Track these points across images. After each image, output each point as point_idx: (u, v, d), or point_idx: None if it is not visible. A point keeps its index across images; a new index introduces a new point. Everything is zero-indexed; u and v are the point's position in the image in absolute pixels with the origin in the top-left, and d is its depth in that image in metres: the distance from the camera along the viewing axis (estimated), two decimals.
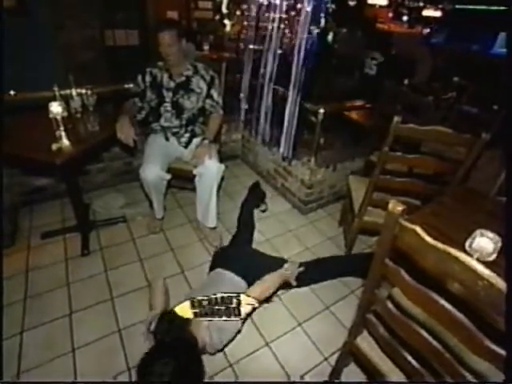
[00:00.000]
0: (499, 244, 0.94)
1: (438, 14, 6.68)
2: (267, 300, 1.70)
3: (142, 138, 2.15)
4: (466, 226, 1.17)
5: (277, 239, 2.20)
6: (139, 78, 1.95)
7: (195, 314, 1.31)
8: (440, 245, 0.69)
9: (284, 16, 2.29)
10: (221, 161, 1.95)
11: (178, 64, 1.91)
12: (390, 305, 0.94)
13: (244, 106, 2.85)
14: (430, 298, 0.77)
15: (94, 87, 1.91)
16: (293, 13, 2.21)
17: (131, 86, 2.04)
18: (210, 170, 1.84)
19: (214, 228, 2.08)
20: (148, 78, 1.94)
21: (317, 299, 1.79)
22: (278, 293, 1.80)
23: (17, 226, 2.11)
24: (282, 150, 2.45)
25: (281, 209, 2.51)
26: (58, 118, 1.59)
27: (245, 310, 1.34)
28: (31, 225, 2.15)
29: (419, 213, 1.29)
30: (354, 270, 1.85)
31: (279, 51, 2.39)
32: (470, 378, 0.78)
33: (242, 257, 1.71)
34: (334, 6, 3.94)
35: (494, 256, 0.94)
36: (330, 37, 4.86)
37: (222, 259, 1.67)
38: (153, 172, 1.82)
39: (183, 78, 1.95)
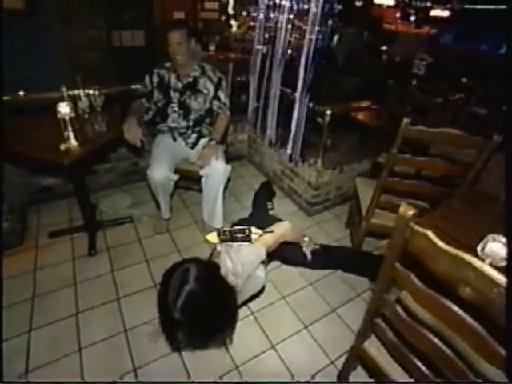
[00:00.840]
0: None
1: (445, 13, 6.63)
2: (272, 303, 1.70)
3: (149, 139, 2.16)
4: (477, 230, 1.15)
5: None
6: (146, 78, 1.97)
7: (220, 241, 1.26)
8: (453, 250, 0.67)
9: (291, 17, 2.29)
10: (227, 161, 1.95)
11: (186, 64, 1.91)
12: (398, 309, 0.93)
13: (251, 106, 2.84)
14: (442, 303, 0.76)
15: (102, 88, 1.92)
16: (299, 13, 2.20)
17: (138, 86, 2.05)
18: (216, 170, 1.84)
19: None
20: (155, 79, 1.95)
21: (323, 302, 1.78)
22: (284, 294, 1.80)
23: (25, 225, 2.13)
24: (288, 151, 2.44)
25: (287, 210, 2.50)
26: (66, 118, 1.60)
27: (259, 241, 1.25)
28: (39, 224, 2.17)
29: (428, 216, 1.28)
30: (359, 268, 1.83)
31: (286, 52, 2.38)
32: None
33: (263, 219, 1.66)
34: (340, 7, 3.93)
35: None
36: (336, 37, 4.84)
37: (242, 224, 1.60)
38: (160, 173, 1.83)
39: (190, 79, 1.95)
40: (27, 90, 2.22)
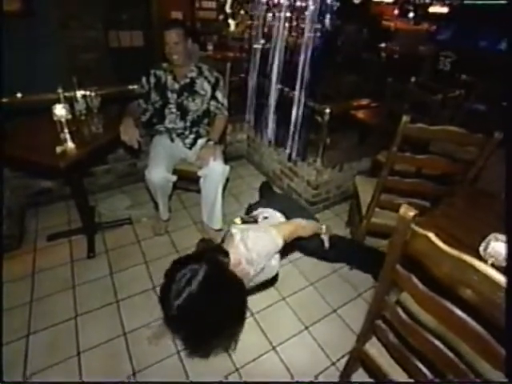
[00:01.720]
0: None
1: (444, 10, 6.59)
2: (271, 304, 1.69)
3: (147, 140, 2.14)
4: (479, 228, 1.14)
5: None
6: (143, 79, 1.95)
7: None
8: (455, 252, 0.66)
9: (289, 15, 2.26)
10: (226, 161, 1.94)
11: (183, 65, 1.89)
12: (400, 311, 0.91)
13: (249, 105, 2.82)
14: (444, 306, 0.74)
15: (99, 89, 1.90)
16: (298, 12, 2.18)
17: (135, 87, 2.03)
18: (214, 171, 1.82)
19: (220, 230, 2.06)
20: (152, 80, 1.93)
21: (324, 302, 1.77)
22: (284, 295, 1.78)
23: (23, 228, 2.12)
24: (287, 150, 2.43)
25: None
26: (63, 120, 1.58)
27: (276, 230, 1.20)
28: (37, 227, 2.15)
29: (430, 215, 1.26)
30: (368, 264, 1.82)
31: (285, 50, 2.36)
32: None
33: (278, 200, 1.64)
34: (338, 4, 3.91)
35: None
36: (334, 35, 4.82)
37: (255, 206, 1.55)
38: (158, 174, 1.81)
39: (187, 80, 1.93)
40: (24, 92, 2.21)
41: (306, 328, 1.63)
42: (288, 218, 1.44)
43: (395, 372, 1.05)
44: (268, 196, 1.98)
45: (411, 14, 6.39)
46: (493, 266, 0.95)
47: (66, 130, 1.59)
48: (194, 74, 1.94)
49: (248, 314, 1.67)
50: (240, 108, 2.86)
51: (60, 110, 1.59)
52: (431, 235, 0.70)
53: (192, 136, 2.03)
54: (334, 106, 2.15)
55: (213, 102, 2.00)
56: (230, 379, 1.39)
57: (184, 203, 2.47)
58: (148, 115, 2.01)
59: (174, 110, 1.96)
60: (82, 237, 2.05)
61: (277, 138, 2.59)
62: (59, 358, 1.42)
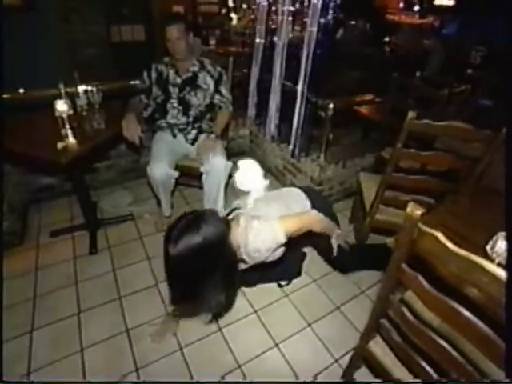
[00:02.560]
0: None
1: (450, 2, 6.49)
2: (272, 302, 1.69)
3: (149, 135, 2.13)
4: (485, 225, 1.12)
5: None
6: (145, 74, 1.93)
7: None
8: (463, 252, 0.64)
9: (292, 8, 2.23)
10: (228, 157, 1.92)
11: (185, 59, 1.87)
12: (404, 310, 0.90)
13: (252, 101, 2.79)
14: (450, 307, 0.73)
15: (100, 84, 1.88)
16: (300, 5, 2.14)
17: (137, 82, 2.01)
18: (217, 167, 1.81)
19: None
20: (154, 74, 1.91)
21: (327, 299, 1.76)
22: (287, 291, 1.78)
23: (26, 224, 2.12)
24: (291, 146, 2.40)
25: None
26: (64, 116, 1.57)
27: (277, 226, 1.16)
28: (40, 223, 2.15)
29: (435, 212, 1.25)
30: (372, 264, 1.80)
31: (288, 45, 2.33)
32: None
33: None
34: None
35: None
36: (338, 29, 4.76)
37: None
38: (161, 170, 1.80)
39: (190, 74, 1.91)
40: (26, 88, 2.19)
41: (309, 325, 1.62)
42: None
43: (399, 371, 1.04)
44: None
45: (416, 7, 6.30)
46: (500, 264, 0.94)
47: (68, 126, 1.58)
48: (196, 68, 1.92)
49: (251, 311, 1.67)
50: (242, 103, 2.83)
51: (61, 106, 1.58)
52: (439, 234, 0.68)
53: (194, 131, 2.01)
54: (338, 101, 2.12)
55: (217, 96, 1.98)
56: (233, 376, 1.39)
57: (187, 199, 2.46)
58: (150, 110, 1.99)
59: (175, 105, 1.94)
60: (84, 233, 2.05)
61: (280, 133, 2.56)
62: (62, 353, 1.43)
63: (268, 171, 2.86)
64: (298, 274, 1.85)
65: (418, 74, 3.31)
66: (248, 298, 1.73)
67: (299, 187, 1.53)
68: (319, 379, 1.41)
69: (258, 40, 2.58)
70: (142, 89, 1.95)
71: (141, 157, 2.52)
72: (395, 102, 2.47)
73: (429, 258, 0.75)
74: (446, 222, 1.15)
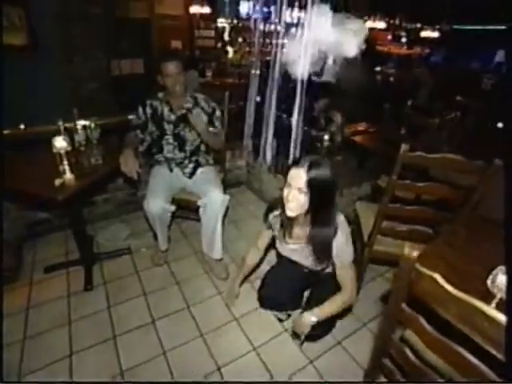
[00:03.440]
0: None
1: (435, 34, 6.82)
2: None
3: (146, 169, 2.14)
4: (483, 258, 1.11)
5: None
6: (140, 109, 1.94)
7: None
8: (463, 295, 0.63)
9: (286, 42, 2.32)
10: (225, 189, 1.93)
11: (180, 95, 1.91)
12: (406, 350, 0.88)
13: (248, 132, 2.85)
14: (453, 349, 0.71)
15: (99, 119, 1.92)
16: (294, 39, 2.23)
17: (133, 117, 2.03)
18: (214, 201, 1.81)
19: (220, 260, 2.02)
20: (148, 110, 1.93)
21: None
22: (287, 327, 1.73)
23: (21, 260, 2.08)
24: None
25: None
26: (62, 152, 1.59)
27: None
28: (35, 258, 2.12)
29: (432, 245, 1.24)
30: None
31: (282, 76, 2.40)
32: None
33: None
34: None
35: None
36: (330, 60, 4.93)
37: None
38: (157, 205, 1.80)
39: (183, 111, 1.93)
40: (27, 124, 2.24)
41: (311, 362, 1.56)
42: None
43: None
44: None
45: (404, 39, 6.61)
46: (502, 300, 0.92)
47: (66, 162, 1.59)
48: (189, 105, 1.94)
49: (250, 348, 1.61)
50: (239, 134, 2.88)
51: (60, 142, 1.59)
52: (437, 276, 0.68)
53: (191, 165, 2.03)
54: (332, 134, 2.16)
55: (210, 128, 2.00)
56: None
57: (184, 232, 2.44)
58: (146, 145, 2.01)
59: (171, 141, 1.96)
60: (79, 268, 2.01)
61: (276, 164, 2.59)
62: None
63: (266, 201, 2.87)
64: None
65: (409, 102, 3.42)
66: (247, 334, 1.68)
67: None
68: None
69: (253, 72, 2.66)
70: (137, 124, 1.95)
71: (138, 190, 2.53)
72: (388, 132, 2.53)
73: (428, 299, 0.74)
74: (445, 254, 1.14)
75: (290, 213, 1.25)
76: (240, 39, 6.22)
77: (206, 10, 5.54)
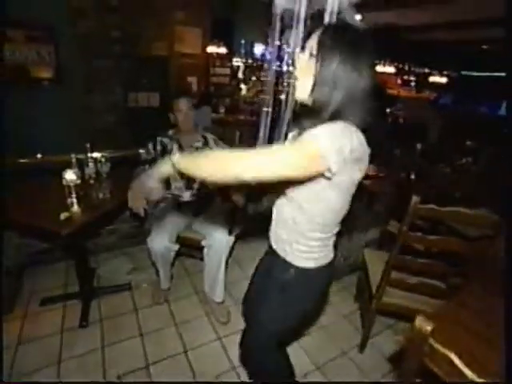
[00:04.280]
0: None
1: (443, 80, 7.01)
2: None
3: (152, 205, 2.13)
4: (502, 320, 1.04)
5: None
6: (150, 146, 1.96)
7: None
8: (480, 381, 0.57)
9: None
10: (230, 232, 1.89)
11: (189, 132, 1.94)
12: None
13: None
14: None
15: (111, 152, 1.94)
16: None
17: (143, 151, 2.05)
18: (218, 242, 1.78)
19: (222, 302, 1.95)
20: (158, 147, 1.96)
21: None
22: None
23: (19, 290, 2.04)
24: None
25: None
26: (71, 185, 1.60)
27: None
28: (33, 289, 2.07)
29: (447, 307, 1.16)
30: None
31: (293, 116, 2.43)
32: None
33: None
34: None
35: None
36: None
37: None
38: (161, 243, 1.77)
39: (193, 150, 1.95)
40: (43, 152, 2.30)
41: None
42: None
43: None
44: None
45: (412, 84, 6.79)
46: None
47: (74, 195, 1.60)
48: (199, 144, 1.97)
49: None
50: None
51: (70, 175, 1.61)
52: (453, 357, 0.62)
53: (198, 203, 2.02)
54: None
55: None
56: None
57: (187, 270, 2.37)
58: None
59: (179, 179, 1.97)
60: (77, 302, 1.96)
61: None
62: None
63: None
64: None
65: (418, 146, 3.43)
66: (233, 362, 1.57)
67: None
68: None
69: (265, 109, 2.70)
70: (146, 159, 1.96)
71: (144, 223, 2.51)
72: (398, 178, 2.51)
73: (442, 375, 0.67)
74: (459, 317, 1.06)
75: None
76: (253, 77, 6.49)
77: (223, 50, 5.82)
